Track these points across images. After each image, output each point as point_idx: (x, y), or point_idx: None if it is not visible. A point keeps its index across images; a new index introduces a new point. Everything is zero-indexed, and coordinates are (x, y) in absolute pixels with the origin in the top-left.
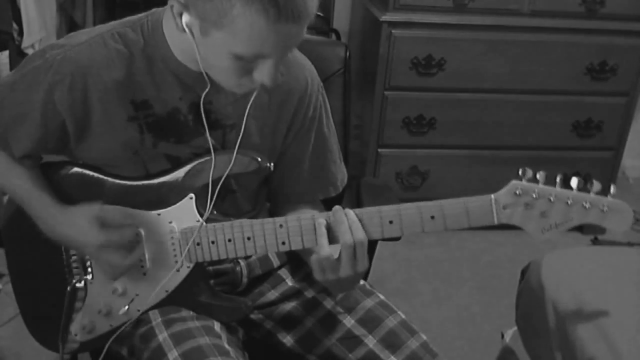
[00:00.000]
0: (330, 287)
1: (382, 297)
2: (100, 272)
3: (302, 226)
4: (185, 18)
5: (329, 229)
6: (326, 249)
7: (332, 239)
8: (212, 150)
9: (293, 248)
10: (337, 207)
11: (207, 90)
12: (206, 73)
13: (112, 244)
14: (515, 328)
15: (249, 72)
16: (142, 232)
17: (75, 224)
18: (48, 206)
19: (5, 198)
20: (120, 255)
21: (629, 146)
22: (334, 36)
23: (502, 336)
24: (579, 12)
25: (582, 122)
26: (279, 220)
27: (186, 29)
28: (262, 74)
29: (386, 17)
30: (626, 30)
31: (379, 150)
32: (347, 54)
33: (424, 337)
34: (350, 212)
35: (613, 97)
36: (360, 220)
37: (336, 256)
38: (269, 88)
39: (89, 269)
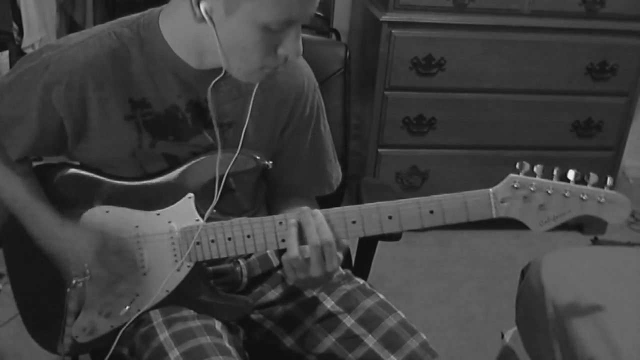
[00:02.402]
0: (302, 285)
1: (382, 296)
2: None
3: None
4: (205, 4)
5: (301, 229)
6: (294, 250)
7: (303, 239)
8: (219, 144)
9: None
10: (304, 209)
11: (218, 77)
12: (209, 69)
13: (96, 277)
14: (515, 328)
15: (274, 48)
16: (142, 232)
17: (71, 242)
18: (45, 219)
19: None
20: (97, 289)
21: (629, 146)
22: (334, 36)
23: (502, 336)
24: (579, 12)
25: (582, 122)
26: (278, 217)
27: (205, 16)
28: (288, 45)
29: (386, 17)
30: (626, 30)
31: (379, 150)
32: (347, 54)
33: (424, 337)
34: (318, 213)
35: (613, 97)
36: (328, 222)
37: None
38: (296, 58)
39: (87, 271)
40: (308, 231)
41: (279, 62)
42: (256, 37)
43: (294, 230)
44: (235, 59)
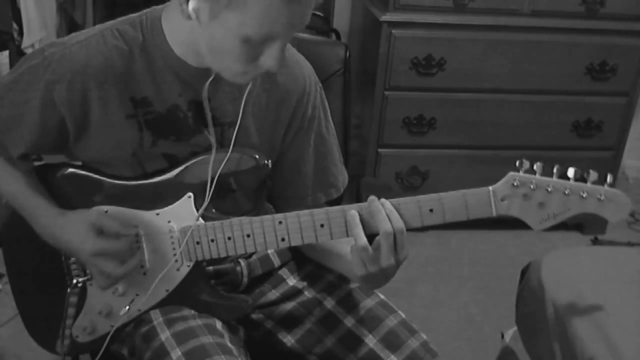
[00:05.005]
0: (370, 284)
1: (382, 296)
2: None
3: (301, 222)
4: (192, 4)
5: (362, 220)
6: (363, 239)
7: (367, 229)
8: (213, 143)
9: (293, 244)
10: (372, 197)
11: (211, 78)
12: (208, 68)
13: (106, 252)
14: (515, 328)
15: (255, 58)
16: (142, 232)
17: (72, 230)
18: (46, 212)
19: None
20: (113, 264)
21: (629, 146)
22: (334, 36)
23: (502, 336)
24: (579, 12)
25: (582, 122)
26: (278, 216)
27: (192, 15)
28: (269, 58)
29: (386, 17)
30: (626, 30)
31: (379, 150)
32: (347, 54)
33: (424, 337)
34: (387, 202)
35: (613, 97)
36: (397, 210)
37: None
38: (274, 72)
39: (88, 270)
40: (379, 219)
41: (260, 70)
42: (237, 46)
43: (358, 220)
44: (218, 62)
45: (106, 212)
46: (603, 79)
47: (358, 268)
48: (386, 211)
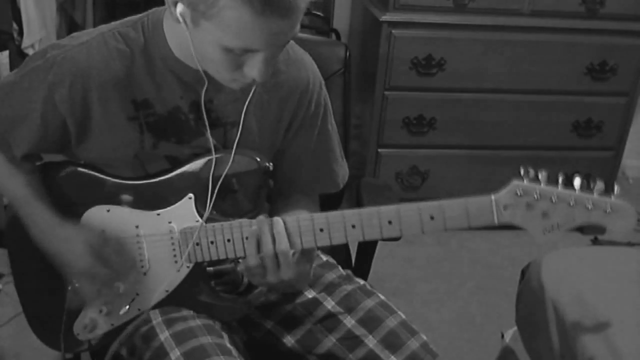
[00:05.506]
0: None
1: (382, 297)
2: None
3: (300, 226)
4: (179, 8)
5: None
6: (251, 260)
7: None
8: (212, 149)
9: (291, 248)
10: (260, 218)
11: (205, 86)
12: (204, 71)
13: (95, 275)
14: (515, 328)
15: (240, 66)
16: (142, 232)
17: (70, 242)
18: (44, 219)
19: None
20: (95, 287)
21: (629, 146)
22: (334, 36)
23: (502, 336)
24: (579, 12)
25: (582, 122)
26: None
27: (180, 19)
28: (252, 69)
29: (386, 17)
30: (626, 30)
31: (379, 150)
32: (347, 54)
33: (424, 338)
34: (279, 222)
35: (613, 97)
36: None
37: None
38: (261, 83)
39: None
40: (263, 240)
41: (248, 79)
42: (220, 54)
43: (253, 241)
44: (208, 67)
45: (108, 211)
46: (603, 79)
47: (249, 278)
48: (273, 233)
